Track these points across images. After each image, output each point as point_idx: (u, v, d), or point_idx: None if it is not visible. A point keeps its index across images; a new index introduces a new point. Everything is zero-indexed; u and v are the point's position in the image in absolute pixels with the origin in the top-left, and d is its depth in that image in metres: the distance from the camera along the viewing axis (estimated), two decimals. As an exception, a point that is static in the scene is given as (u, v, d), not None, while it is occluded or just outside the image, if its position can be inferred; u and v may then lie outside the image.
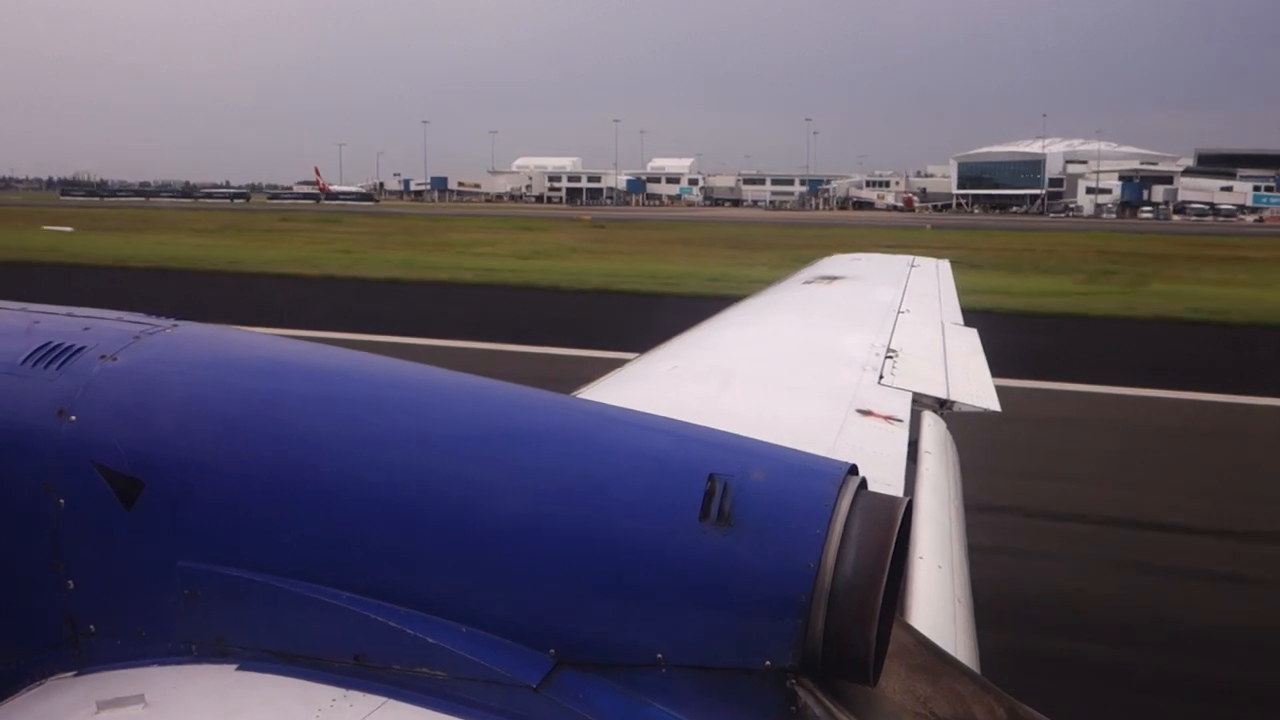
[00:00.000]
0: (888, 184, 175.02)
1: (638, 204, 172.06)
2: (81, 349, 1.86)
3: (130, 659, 1.71)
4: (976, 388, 4.93)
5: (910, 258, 9.95)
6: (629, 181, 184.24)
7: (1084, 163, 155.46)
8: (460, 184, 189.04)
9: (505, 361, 17.61)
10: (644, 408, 1.98)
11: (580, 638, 1.60)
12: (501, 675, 1.55)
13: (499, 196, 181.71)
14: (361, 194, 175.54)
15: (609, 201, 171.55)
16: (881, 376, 4.56)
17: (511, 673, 1.55)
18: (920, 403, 4.33)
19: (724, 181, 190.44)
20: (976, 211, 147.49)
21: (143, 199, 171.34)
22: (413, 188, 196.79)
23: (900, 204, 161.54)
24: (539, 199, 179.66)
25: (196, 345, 1.97)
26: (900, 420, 3.86)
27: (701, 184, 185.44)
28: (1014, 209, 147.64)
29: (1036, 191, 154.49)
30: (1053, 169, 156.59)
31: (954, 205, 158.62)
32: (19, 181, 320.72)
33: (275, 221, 74.54)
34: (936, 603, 2.44)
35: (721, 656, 1.56)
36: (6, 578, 1.78)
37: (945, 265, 9.77)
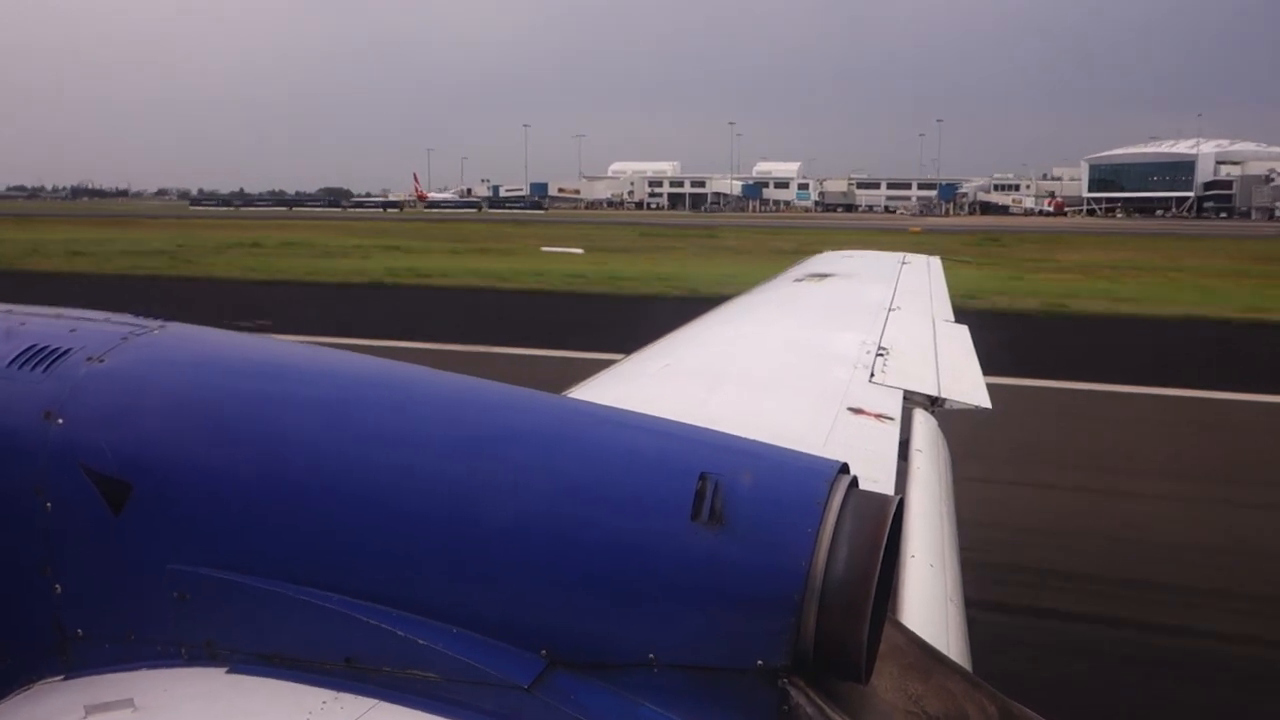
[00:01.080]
0: (1017, 187, 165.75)
1: (754, 210, 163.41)
2: (68, 351, 1.85)
3: (119, 662, 1.70)
4: (967, 385, 4.94)
5: (901, 255, 9.96)
6: (745, 186, 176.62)
7: (1238, 164, 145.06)
8: (560, 189, 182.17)
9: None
10: (635, 407, 1.97)
11: (572, 638, 1.60)
12: (493, 676, 1.55)
13: (597, 203, 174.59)
14: (468, 201, 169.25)
15: (715, 207, 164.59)
16: (872, 374, 4.57)
17: (503, 673, 1.55)
18: (911, 400, 4.33)
19: (835, 186, 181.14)
20: (1120, 216, 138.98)
21: (284, 208, 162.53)
22: (502, 194, 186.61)
23: (1045, 208, 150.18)
24: (639, 205, 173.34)
25: (184, 346, 1.96)
26: (891, 418, 3.87)
27: (820, 189, 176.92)
28: (1158, 213, 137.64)
29: (1185, 194, 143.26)
30: (1203, 171, 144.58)
31: (1084, 209, 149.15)
32: (45, 191, 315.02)
33: (542, 232, 67.67)
34: (928, 601, 2.45)
35: (713, 656, 1.56)
36: None
37: (936, 262, 9.79)
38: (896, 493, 2.58)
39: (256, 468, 1.71)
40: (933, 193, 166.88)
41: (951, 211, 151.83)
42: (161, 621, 1.69)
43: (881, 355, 4.98)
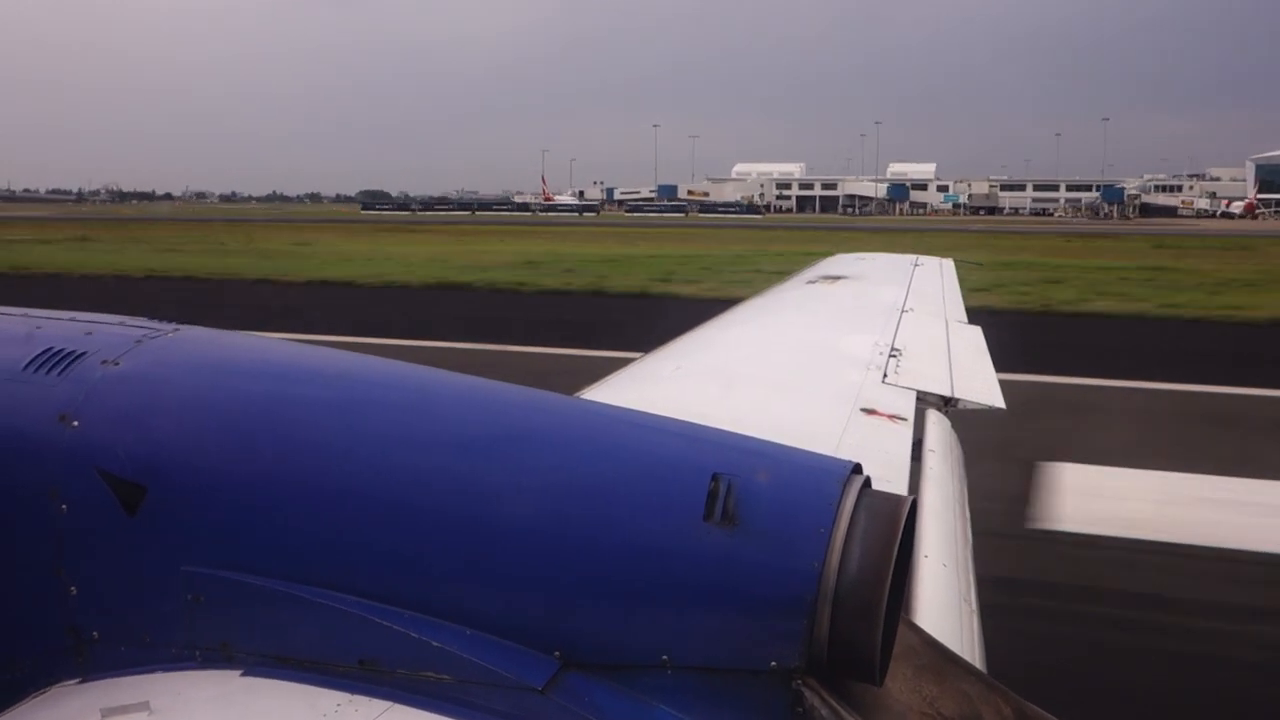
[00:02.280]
0: (1178, 188, 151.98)
1: (900, 213, 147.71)
2: (83, 354, 1.86)
3: (135, 665, 1.71)
4: (981, 385, 4.92)
5: (914, 257, 9.95)
6: (892, 188, 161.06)
7: None
8: (690, 192, 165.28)
9: None
10: (647, 408, 1.97)
11: (585, 639, 1.60)
12: (507, 678, 1.55)
13: (728, 206, 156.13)
14: (587, 204, 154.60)
15: (848, 211, 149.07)
16: (885, 375, 4.55)
17: (517, 675, 1.55)
18: (924, 401, 4.32)
19: (976, 188, 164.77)
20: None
21: (468, 212, 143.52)
22: (616, 196, 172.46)
23: (1229, 210, 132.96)
24: (766, 208, 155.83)
25: (199, 349, 1.97)
26: (904, 419, 3.85)
27: (968, 190, 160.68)
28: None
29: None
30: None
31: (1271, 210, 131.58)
32: (93, 194, 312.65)
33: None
34: (942, 602, 2.43)
35: (727, 657, 1.56)
36: (9, 585, 1.78)
37: (949, 264, 9.77)
38: (910, 493, 2.57)
39: (271, 470, 1.72)
40: (1090, 195, 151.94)
41: (1115, 214, 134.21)
42: (176, 624, 1.70)
43: (894, 356, 4.96)
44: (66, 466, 1.74)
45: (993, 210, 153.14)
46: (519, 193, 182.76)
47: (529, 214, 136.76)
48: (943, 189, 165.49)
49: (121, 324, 2.02)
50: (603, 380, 4.18)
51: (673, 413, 1.91)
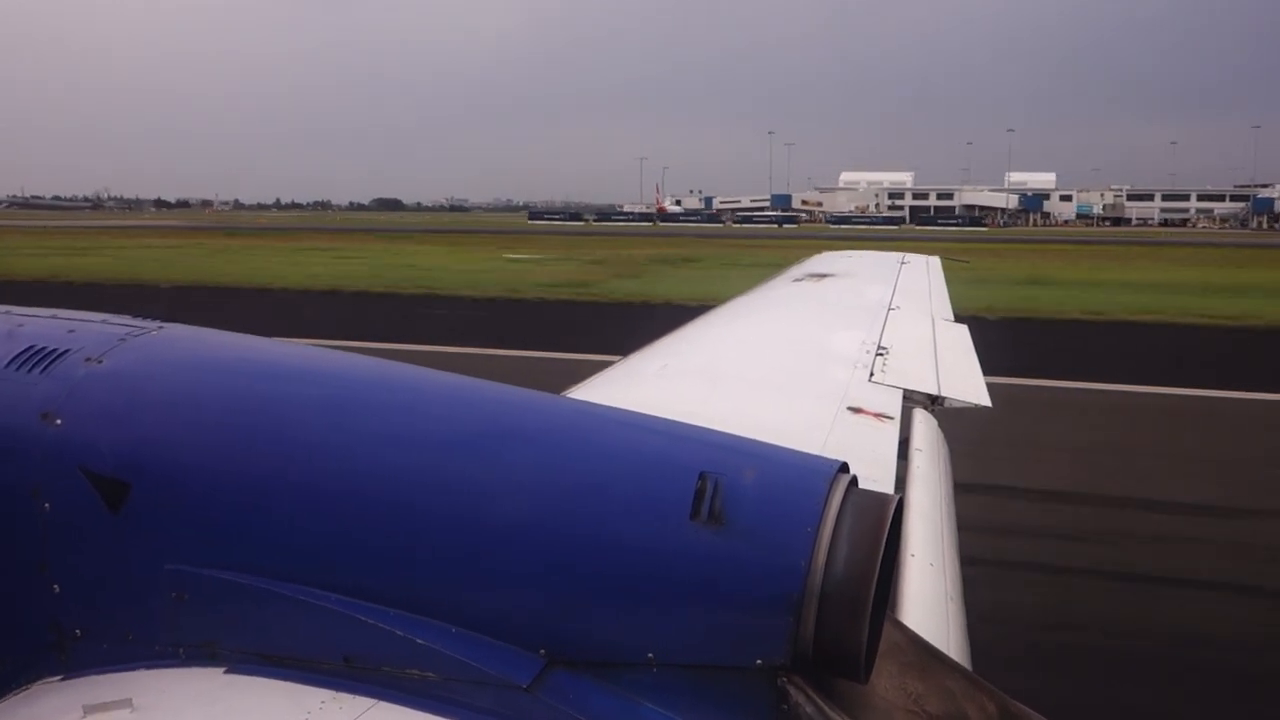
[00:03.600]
0: None
1: (1035, 224, 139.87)
2: (66, 352, 1.85)
3: (118, 662, 1.70)
4: (967, 384, 4.94)
5: (901, 254, 9.97)
6: (1025, 198, 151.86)
7: None
8: (804, 201, 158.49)
9: None
10: (634, 407, 1.97)
11: (571, 637, 1.59)
12: (492, 676, 1.55)
13: (840, 216, 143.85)
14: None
15: (959, 223, 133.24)
16: (872, 374, 4.57)
17: (502, 673, 1.55)
18: (911, 400, 4.33)
19: (1090, 197, 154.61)
20: None
21: (648, 223, 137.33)
22: (715, 205, 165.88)
23: None
24: (901, 220, 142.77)
25: (182, 347, 1.96)
26: (891, 417, 3.86)
27: (1100, 203, 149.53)
28: None
29: None
30: None
31: None
32: (113, 199, 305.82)
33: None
34: (928, 600, 2.44)
35: (713, 655, 1.56)
36: None
37: (935, 261, 9.79)
38: (896, 492, 2.58)
39: (255, 468, 1.71)
40: (1224, 205, 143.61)
41: (1265, 225, 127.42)
42: (160, 621, 1.69)
43: (881, 354, 4.98)
44: (49, 464, 1.72)
45: (1118, 221, 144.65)
46: (632, 202, 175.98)
47: (650, 224, 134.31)
48: (1065, 199, 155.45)
49: (104, 322, 2.01)
50: (588, 379, 4.17)
51: (659, 412, 1.91)
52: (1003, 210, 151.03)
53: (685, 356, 5.06)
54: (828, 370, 4.64)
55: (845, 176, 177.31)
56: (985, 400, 4.73)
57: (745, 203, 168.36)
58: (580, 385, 4.02)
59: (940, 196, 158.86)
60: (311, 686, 1.57)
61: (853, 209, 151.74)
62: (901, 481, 3.26)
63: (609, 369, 4.57)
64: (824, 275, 8.52)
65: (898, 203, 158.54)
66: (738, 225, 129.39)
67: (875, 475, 3.01)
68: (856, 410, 3.85)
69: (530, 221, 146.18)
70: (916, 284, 8.21)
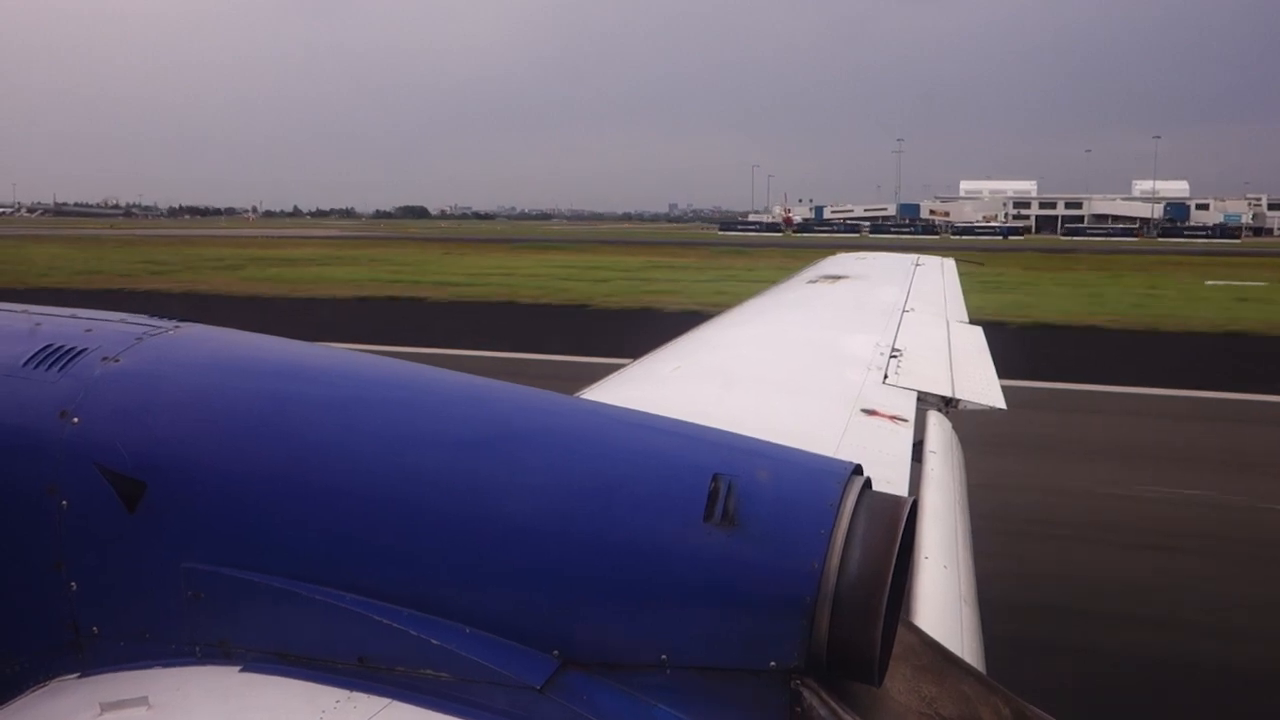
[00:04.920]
0: None
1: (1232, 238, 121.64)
2: (84, 351, 1.86)
3: (134, 661, 1.71)
4: (982, 386, 4.92)
5: (915, 256, 9.94)
6: (1171, 207, 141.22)
7: None
8: (932, 211, 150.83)
9: None
10: (648, 408, 1.97)
11: (584, 639, 1.59)
12: (506, 676, 1.55)
13: (967, 226, 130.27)
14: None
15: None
16: (886, 376, 4.55)
17: (516, 674, 1.55)
18: (925, 402, 4.32)
19: (1233, 206, 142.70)
20: None
21: (777, 233, 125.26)
22: (827, 215, 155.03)
23: None
24: (1027, 230, 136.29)
25: (199, 347, 1.97)
26: (905, 420, 3.85)
27: (1248, 212, 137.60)
28: None
29: None
30: None
31: None
32: (139, 208, 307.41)
33: None
34: (942, 603, 2.43)
35: (726, 657, 1.56)
36: (10, 580, 1.78)
37: (950, 264, 9.76)
38: (910, 494, 2.57)
39: (271, 467, 1.72)
40: None
41: None
42: (176, 620, 1.70)
43: (895, 356, 4.96)
44: (67, 463, 1.74)
45: (1258, 231, 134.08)
46: (755, 211, 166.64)
47: (780, 234, 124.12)
48: (1201, 207, 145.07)
49: (122, 321, 2.02)
50: (602, 380, 4.17)
51: (673, 413, 1.90)
52: (1140, 220, 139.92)
53: (699, 358, 5.06)
54: (842, 372, 4.63)
55: (966, 185, 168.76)
56: (1000, 402, 4.71)
57: (858, 212, 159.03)
58: (595, 386, 4.02)
59: (1069, 205, 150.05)
60: (326, 686, 1.58)
61: (980, 219, 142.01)
62: (915, 483, 3.25)
63: (624, 369, 4.57)
64: (838, 277, 8.51)
65: (1023, 212, 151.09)
66: (955, 237, 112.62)
67: (889, 477, 3.00)
68: (870, 412, 3.84)
69: (721, 233, 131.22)
70: (930, 286, 8.19)
